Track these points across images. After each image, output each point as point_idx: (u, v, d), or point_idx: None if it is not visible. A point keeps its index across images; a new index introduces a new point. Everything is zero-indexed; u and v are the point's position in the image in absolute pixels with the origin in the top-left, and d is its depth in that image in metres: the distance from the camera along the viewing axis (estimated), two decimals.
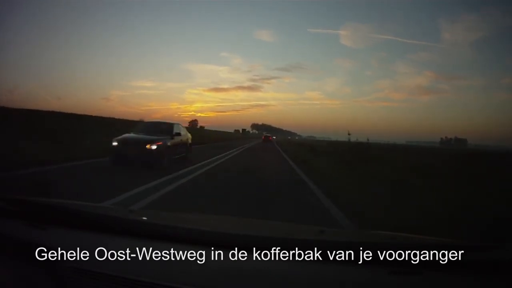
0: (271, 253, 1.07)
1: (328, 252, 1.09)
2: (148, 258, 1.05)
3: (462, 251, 1.05)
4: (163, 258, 1.06)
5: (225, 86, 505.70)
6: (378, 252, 1.07)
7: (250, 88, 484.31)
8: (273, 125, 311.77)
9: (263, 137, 59.64)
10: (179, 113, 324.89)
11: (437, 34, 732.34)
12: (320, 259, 1.05)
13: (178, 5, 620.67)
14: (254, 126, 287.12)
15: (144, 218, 1.47)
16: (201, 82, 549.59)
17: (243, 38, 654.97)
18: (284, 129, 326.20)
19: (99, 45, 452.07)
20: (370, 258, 1.03)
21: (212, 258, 1.06)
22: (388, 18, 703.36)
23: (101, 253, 1.09)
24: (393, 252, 1.06)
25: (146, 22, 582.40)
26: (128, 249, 1.12)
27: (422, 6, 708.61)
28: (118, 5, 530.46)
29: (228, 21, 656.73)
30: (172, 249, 1.12)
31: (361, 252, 1.08)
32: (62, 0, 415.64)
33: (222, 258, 1.06)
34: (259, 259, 1.06)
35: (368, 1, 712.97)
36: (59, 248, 1.05)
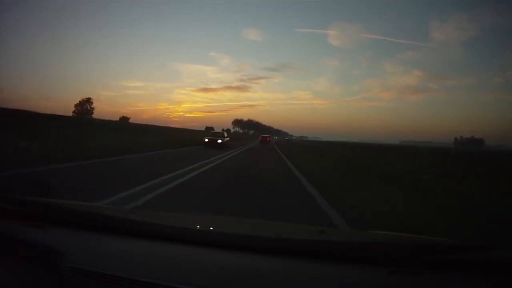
0: (271, 253, 1.08)
1: (328, 252, 1.09)
2: (147, 258, 1.05)
3: (462, 251, 1.06)
4: (162, 258, 1.07)
5: (214, 86, 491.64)
6: (378, 252, 1.08)
7: (238, 88, 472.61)
8: (263, 122, 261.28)
9: (259, 138, 50.72)
10: (167, 113, 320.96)
11: (427, 33, 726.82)
12: (320, 259, 1.05)
13: (166, 5, 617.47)
14: (237, 123, 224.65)
15: (143, 218, 1.47)
16: (190, 82, 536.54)
17: (232, 38, 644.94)
18: (274, 128, 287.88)
19: (87, 45, 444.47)
20: (370, 258, 1.04)
21: (212, 258, 1.06)
22: (377, 18, 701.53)
23: (101, 253, 1.09)
24: (393, 252, 1.07)
25: (134, 22, 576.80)
26: (127, 249, 1.12)
27: (411, 6, 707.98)
28: (106, 5, 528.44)
29: (216, 21, 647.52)
30: (171, 249, 1.13)
31: (361, 252, 1.08)
32: (51, 0, 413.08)
33: (221, 258, 1.06)
34: (259, 259, 1.06)
35: (356, 0, 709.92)
36: (59, 248, 1.05)
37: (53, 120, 29.43)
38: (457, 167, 16.79)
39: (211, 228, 1.39)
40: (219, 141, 24.57)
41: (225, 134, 28.29)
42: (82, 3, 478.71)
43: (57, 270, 0.97)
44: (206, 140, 24.75)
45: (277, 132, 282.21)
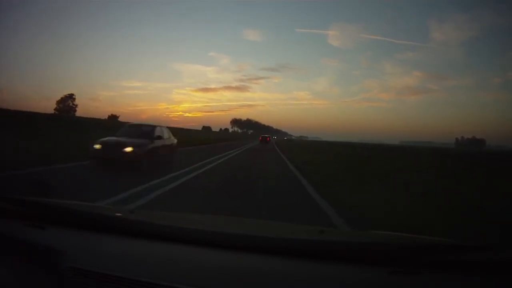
0: (271, 253, 1.08)
1: (328, 252, 1.09)
2: (147, 258, 1.05)
3: (462, 251, 1.06)
4: (162, 258, 1.07)
5: (213, 86, 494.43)
6: (378, 252, 1.08)
7: (238, 88, 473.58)
8: (262, 122, 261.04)
9: (259, 138, 49.42)
10: (167, 113, 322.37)
11: (426, 34, 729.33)
12: (320, 259, 1.05)
13: (166, 5, 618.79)
14: (236, 122, 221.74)
15: (144, 218, 1.47)
16: (189, 82, 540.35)
17: (232, 38, 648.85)
18: (274, 128, 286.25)
19: (87, 45, 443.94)
20: (370, 258, 1.04)
21: (212, 258, 1.06)
22: (377, 18, 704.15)
23: (101, 253, 1.09)
24: (393, 252, 1.07)
25: (134, 22, 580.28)
26: (127, 249, 1.12)
27: (411, 6, 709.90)
28: (106, 5, 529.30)
29: (216, 21, 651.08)
30: (171, 249, 1.13)
31: (361, 252, 1.08)
32: (50, 0, 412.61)
33: (221, 258, 1.06)
34: (259, 259, 1.06)
35: (356, 1, 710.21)
36: (59, 248, 1.05)
37: (40, 120, 28.24)
38: (457, 167, 16.81)
39: (211, 228, 1.39)
40: (128, 149, 8.88)
41: (162, 132, 11.05)
42: (82, 3, 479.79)
43: (57, 270, 0.97)
44: (96, 146, 9.02)
45: (277, 132, 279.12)
